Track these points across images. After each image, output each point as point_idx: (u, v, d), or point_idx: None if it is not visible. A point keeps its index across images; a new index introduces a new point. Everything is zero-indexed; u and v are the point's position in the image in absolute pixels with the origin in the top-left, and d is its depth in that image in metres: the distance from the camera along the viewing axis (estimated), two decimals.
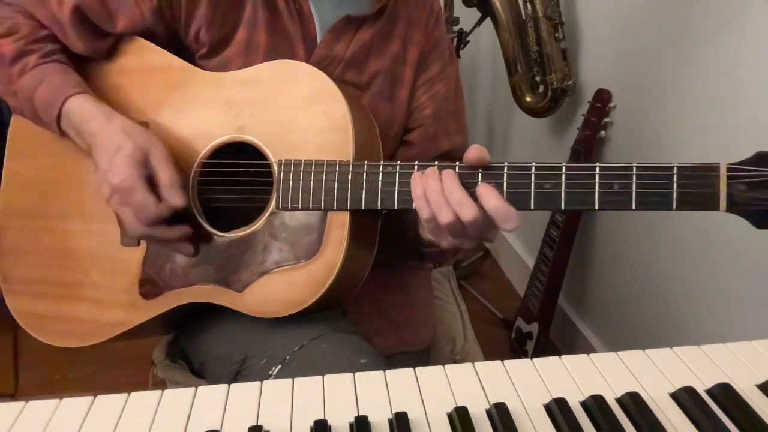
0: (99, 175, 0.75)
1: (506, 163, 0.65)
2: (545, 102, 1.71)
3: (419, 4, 0.88)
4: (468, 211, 0.63)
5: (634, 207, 0.62)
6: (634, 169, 0.62)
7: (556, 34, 1.61)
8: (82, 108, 0.77)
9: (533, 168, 0.65)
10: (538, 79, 1.71)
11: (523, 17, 1.67)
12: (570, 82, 1.65)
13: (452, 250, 0.75)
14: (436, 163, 0.68)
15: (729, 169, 0.59)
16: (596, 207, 0.63)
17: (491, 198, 0.63)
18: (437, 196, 0.65)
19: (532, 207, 0.65)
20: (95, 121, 0.76)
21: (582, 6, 1.68)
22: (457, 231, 0.66)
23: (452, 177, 0.65)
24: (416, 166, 0.69)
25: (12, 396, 1.58)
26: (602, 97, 1.55)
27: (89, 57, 0.84)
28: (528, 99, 1.77)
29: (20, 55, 0.79)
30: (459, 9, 1.82)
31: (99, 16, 0.80)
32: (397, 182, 0.70)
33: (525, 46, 1.68)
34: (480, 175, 0.66)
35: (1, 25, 0.80)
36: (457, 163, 0.67)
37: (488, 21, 1.76)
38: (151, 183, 0.74)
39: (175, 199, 0.74)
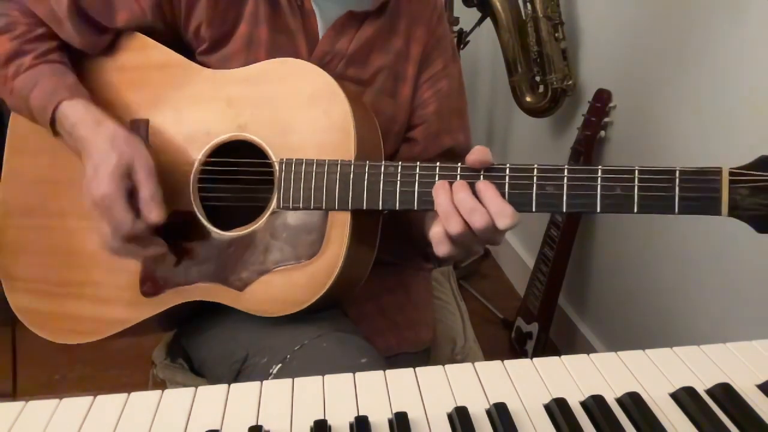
0: (84, 183, 0.74)
1: (508, 165, 0.66)
2: (545, 102, 1.71)
3: (422, 1, 0.88)
4: (479, 219, 0.63)
5: (635, 210, 0.62)
6: (636, 172, 0.62)
7: (556, 34, 1.61)
8: (73, 113, 0.76)
9: (535, 170, 0.65)
10: (538, 79, 1.71)
11: (523, 17, 1.67)
12: (570, 82, 1.65)
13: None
14: (437, 164, 0.68)
15: (731, 174, 0.59)
16: (598, 210, 0.63)
17: (488, 193, 0.64)
18: (446, 206, 0.65)
19: (533, 209, 0.65)
20: (85, 127, 0.75)
21: (582, 6, 1.68)
22: (465, 239, 0.66)
23: (463, 185, 0.65)
24: (418, 167, 0.69)
25: (11, 396, 1.58)
26: (602, 97, 1.55)
27: (88, 53, 0.84)
28: (528, 99, 1.77)
29: (15, 55, 0.79)
30: (459, 9, 1.82)
31: (99, 10, 0.80)
32: (398, 182, 0.70)
33: (525, 46, 1.68)
34: (482, 176, 0.66)
35: None
36: (459, 164, 0.67)
37: (488, 21, 1.76)
38: (133, 196, 0.73)
39: (152, 214, 0.72)
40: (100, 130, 0.75)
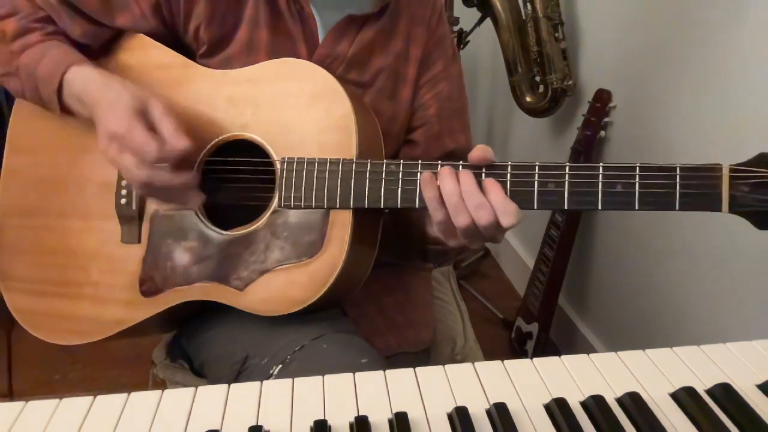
0: (98, 128, 0.72)
1: (510, 163, 0.66)
2: (545, 102, 1.71)
3: (422, 1, 0.88)
4: (485, 215, 0.64)
5: (636, 207, 0.62)
6: (637, 169, 0.62)
7: (556, 34, 1.61)
8: (82, 75, 0.76)
9: (537, 168, 0.65)
10: (538, 79, 1.71)
11: (523, 17, 1.67)
12: (570, 82, 1.65)
13: (457, 249, 0.75)
14: (439, 162, 0.68)
15: (732, 170, 0.59)
16: (599, 207, 0.63)
17: (493, 191, 0.64)
18: (456, 198, 0.65)
19: (535, 206, 0.65)
20: (95, 85, 0.75)
21: (582, 6, 1.68)
22: (471, 233, 0.66)
23: (470, 179, 0.65)
24: (419, 165, 0.69)
25: (7, 397, 1.58)
26: (602, 97, 1.55)
27: (88, 46, 0.84)
28: (528, 99, 1.77)
29: (22, 32, 0.79)
30: (459, 9, 1.82)
31: (96, 10, 0.80)
32: (400, 181, 0.70)
33: (525, 46, 1.68)
34: (483, 174, 0.66)
35: (2, 7, 0.80)
36: (461, 162, 0.67)
37: (488, 21, 1.76)
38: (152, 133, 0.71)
39: (179, 142, 0.70)
40: (110, 82, 0.75)
